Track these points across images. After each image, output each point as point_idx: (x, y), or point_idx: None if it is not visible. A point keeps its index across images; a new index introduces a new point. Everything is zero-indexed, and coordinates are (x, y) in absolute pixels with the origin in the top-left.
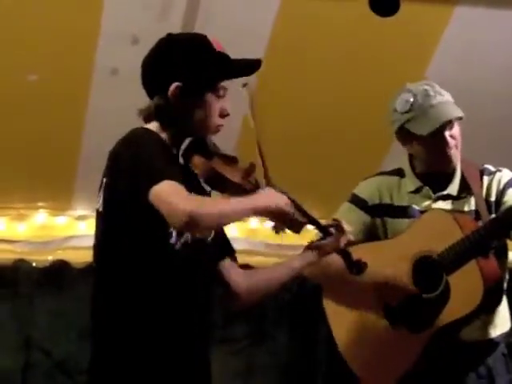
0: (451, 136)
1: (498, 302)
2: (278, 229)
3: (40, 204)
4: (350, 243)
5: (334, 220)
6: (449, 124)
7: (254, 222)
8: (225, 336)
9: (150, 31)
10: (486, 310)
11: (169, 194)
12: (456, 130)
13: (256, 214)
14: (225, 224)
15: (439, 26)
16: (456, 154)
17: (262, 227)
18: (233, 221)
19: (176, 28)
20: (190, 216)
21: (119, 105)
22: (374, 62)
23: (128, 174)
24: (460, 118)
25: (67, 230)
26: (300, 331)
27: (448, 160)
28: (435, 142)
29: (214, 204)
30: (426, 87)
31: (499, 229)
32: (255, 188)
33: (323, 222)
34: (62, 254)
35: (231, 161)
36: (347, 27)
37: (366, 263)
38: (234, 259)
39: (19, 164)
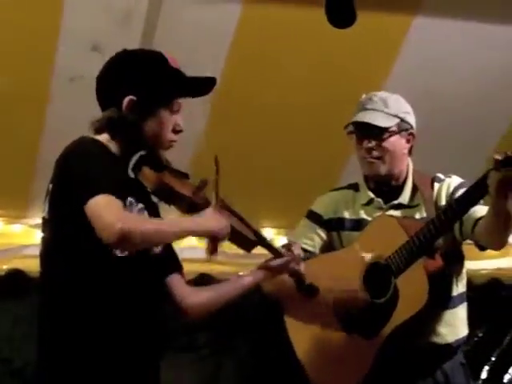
0: (380, 146)
1: (446, 300)
2: (210, 251)
3: None
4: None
5: (287, 243)
6: (369, 131)
7: None
8: (188, 344)
9: (110, 37)
10: (435, 308)
11: (101, 209)
12: (389, 142)
13: (194, 236)
14: (160, 242)
15: (399, 35)
16: (383, 166)
17: None
18: (169, 240)
19: (137, 34)
20: (120, 232)
21: (78, 111)
22: (335, 70)
23: (70, 184)
24: (381, 129)
25: (23, 239)
26: (263, 337)
27: (371, 168)
28: (359, 148)
29: (147, 222)
30: (377, 93)
31: (440, 225)
32: (204, 203)
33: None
34: (18, 262)
35: (182, 176)
36: (308, 36)
37: (317, 288)
38: (182, 275)
39: None
